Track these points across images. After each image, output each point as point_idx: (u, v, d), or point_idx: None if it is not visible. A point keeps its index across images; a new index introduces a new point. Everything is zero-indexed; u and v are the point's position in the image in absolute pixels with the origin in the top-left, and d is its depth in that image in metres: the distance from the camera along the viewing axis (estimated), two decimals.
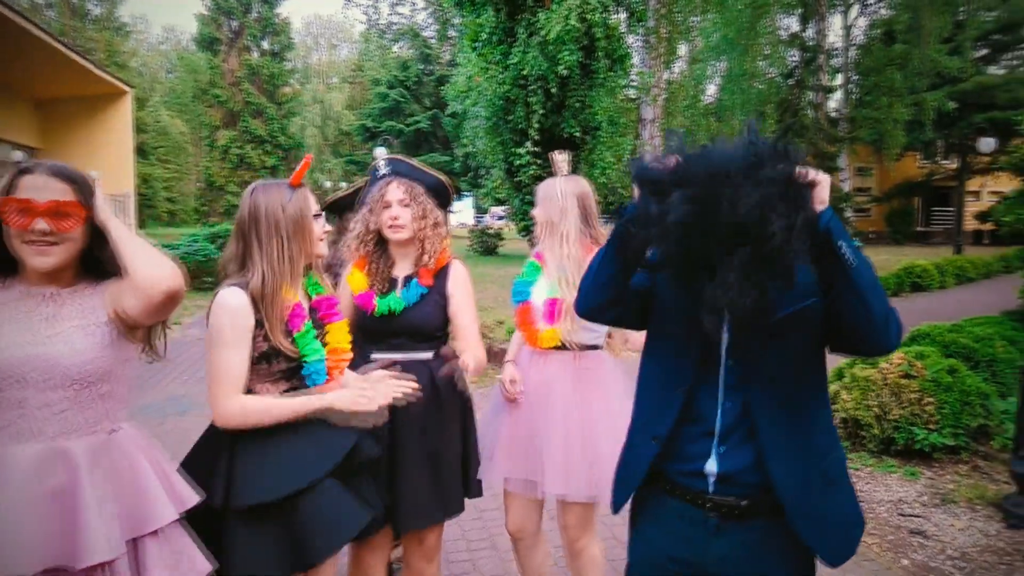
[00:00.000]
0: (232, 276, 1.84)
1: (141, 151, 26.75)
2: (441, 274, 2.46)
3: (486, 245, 24.32)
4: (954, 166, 27.47)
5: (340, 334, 2.00)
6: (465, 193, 33.22)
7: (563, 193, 2.56)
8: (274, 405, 1.77)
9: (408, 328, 2.36)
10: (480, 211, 35.88)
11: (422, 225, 2.38)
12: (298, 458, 1.78)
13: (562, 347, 2.53)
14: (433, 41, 35.68)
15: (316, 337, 1.90)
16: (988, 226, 26.97)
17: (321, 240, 1.94)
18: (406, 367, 2.23)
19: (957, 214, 25.30)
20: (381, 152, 2.51)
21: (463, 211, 37.80)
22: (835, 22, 26.68)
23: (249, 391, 1.80)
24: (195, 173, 35.36)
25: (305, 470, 1.77)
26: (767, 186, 1.18)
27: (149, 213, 34.52)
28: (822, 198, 1.27)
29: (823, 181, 1.28)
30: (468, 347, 2.41)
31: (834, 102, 27.05)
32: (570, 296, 2.50)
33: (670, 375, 1.55)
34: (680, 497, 1.53)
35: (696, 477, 1.49)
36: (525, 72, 7.09)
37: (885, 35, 24.90)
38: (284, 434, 1.79)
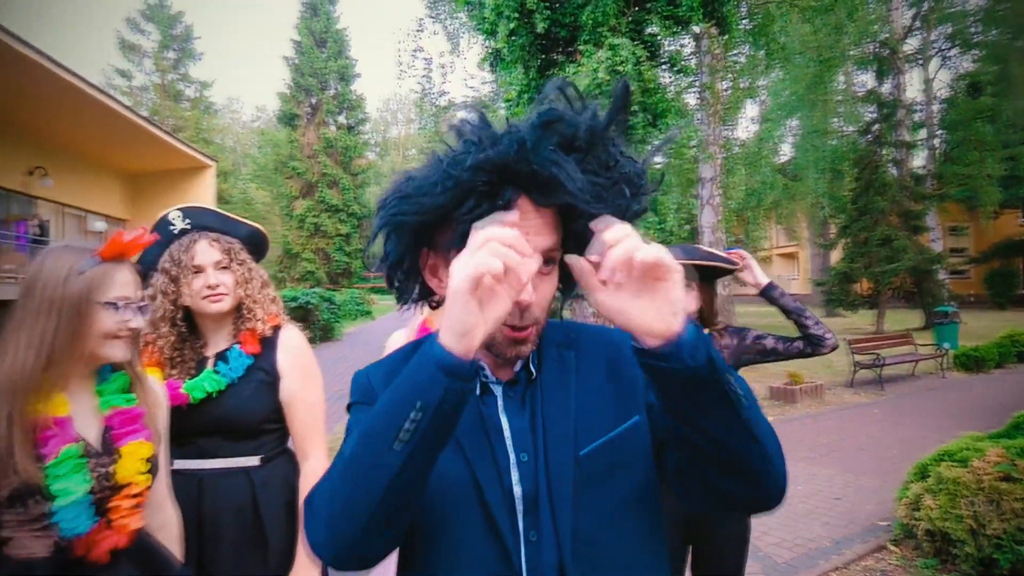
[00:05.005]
0: None
1: None
2: (268, 342, 1.88)
3: None
4: None
5: (132, 462, 1.43)
6: None
7: None
8: None
9: (222, 421, 1.76)
10: None
11: (248, 291, 1.85)
12: None
13: None
14: (502, 111, 36.38)
15: (87, 468, 1.35)
16: None
17: (115, 339, 1.41)
18: (220, 480, 1.66)
19: None
20: None
21: None
22: (914, 76, 25.53)
23: (6, 540, 1.28)
24: (279, 241, 36.80)
25: None
26: None
27: None
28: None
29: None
30: (305, 455, 1.83)
31: (919, 159, 25.57)
32: None
33: None
34: None
35: None
36: None
37: (970, 87, 23.49)
38: None
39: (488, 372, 1.01)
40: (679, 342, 0.76)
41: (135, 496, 1.41)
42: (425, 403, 0.76)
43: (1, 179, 14.25)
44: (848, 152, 22.18)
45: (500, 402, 0.99)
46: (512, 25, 7.53)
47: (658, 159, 10.14)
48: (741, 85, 18.41)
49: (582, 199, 0.87)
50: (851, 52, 21.39)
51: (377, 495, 0.79)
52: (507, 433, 0.97)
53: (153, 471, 1.47)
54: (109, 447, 1.41)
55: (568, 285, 1.03)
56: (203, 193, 20.24)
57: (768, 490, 0.88)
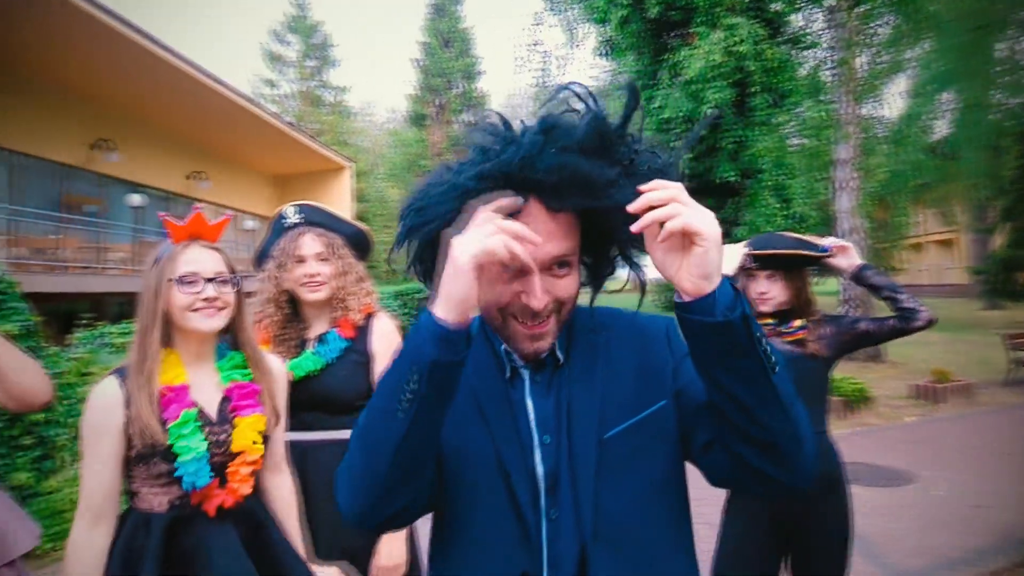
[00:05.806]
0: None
1: (364, 218, 29.78)
2: (363, 329, 2.07)
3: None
4: None
5: (247, 432, 1.61)
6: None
7: None
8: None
9: (321, 397, 1.96)
10: None
11: (343, 283, 2.05)
12: None
13: None
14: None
15: (203, 430, 1.55)
16: None
17: (195, 311, 1.56)
18: (320, 451, 1.84)
19: None
20: None
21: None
22: None
23: (134, 494, 1.54)
24: None
25: None
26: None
27: (373, 273, 37.85)
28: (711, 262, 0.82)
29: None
30: None
31: None
32: None
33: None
34: None
35: None
36: (667, 115, 6.53)
37: None
38: None
39: (516, 358, 1.05)
40: (711, 300, 0.81)
41: (249, 463, 1.60)
42: (420, 372, 0.82)
43: (165, 183, 15.96)
44: (1012, 127, 19.94)
45: (527, 386, 1.04)
46: (624, 12, 7.45)
47: (793, 141, 9.68)
48: (883, 59, 17.02)
49: (597, 197, 0.88)
50: (1013, 15, 19.12)
51: (387, 461, 0.87)
52: (532, 416, 1.02)
53: (265, 442, 1.65)
54: (226, 417, 1.61)
55: (596, 282, 1.06)
56: (342, 192, 21.59)
57: (796, 471, 0.88)
